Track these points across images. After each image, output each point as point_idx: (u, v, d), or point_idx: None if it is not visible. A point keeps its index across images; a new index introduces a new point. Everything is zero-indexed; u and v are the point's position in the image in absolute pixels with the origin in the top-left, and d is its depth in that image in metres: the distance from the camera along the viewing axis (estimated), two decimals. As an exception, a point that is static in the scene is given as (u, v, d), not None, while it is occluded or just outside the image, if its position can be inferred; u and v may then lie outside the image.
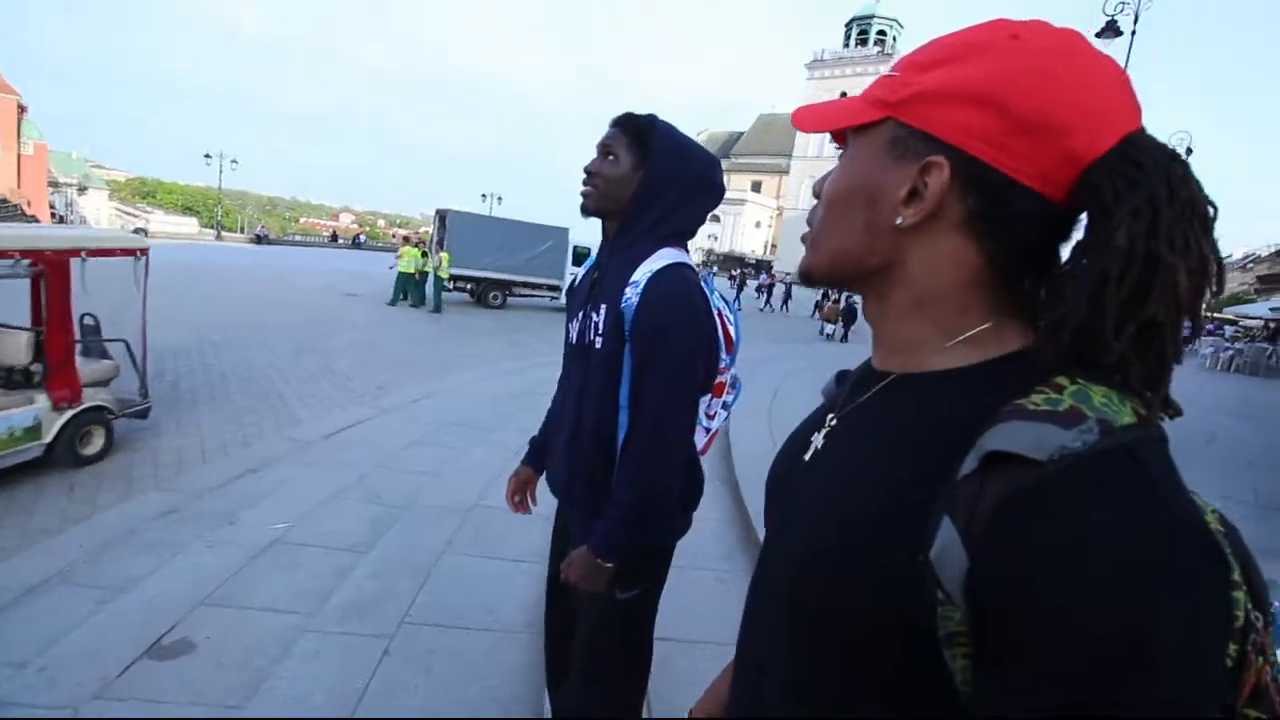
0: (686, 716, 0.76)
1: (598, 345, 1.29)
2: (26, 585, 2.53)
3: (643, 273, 1.23)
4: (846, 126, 0.49)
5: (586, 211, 1.35)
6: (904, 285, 0.48)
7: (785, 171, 77.66)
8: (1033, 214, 0.43)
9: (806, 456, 0.55)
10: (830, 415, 0.55)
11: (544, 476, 1.57)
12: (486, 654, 2.27)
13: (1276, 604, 0.46)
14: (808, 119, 0.52)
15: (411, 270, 13.81)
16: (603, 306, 1.29)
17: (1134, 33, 13.28)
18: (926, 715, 0.41)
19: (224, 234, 43.51)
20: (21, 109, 54.74)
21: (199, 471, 3.94)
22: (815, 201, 0.54)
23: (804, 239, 0.54)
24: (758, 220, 75.19)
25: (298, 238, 57.02)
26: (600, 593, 1.27)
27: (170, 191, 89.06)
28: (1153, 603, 0.33)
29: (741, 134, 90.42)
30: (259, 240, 41.21)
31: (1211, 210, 0.40)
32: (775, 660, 0.52)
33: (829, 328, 18.01)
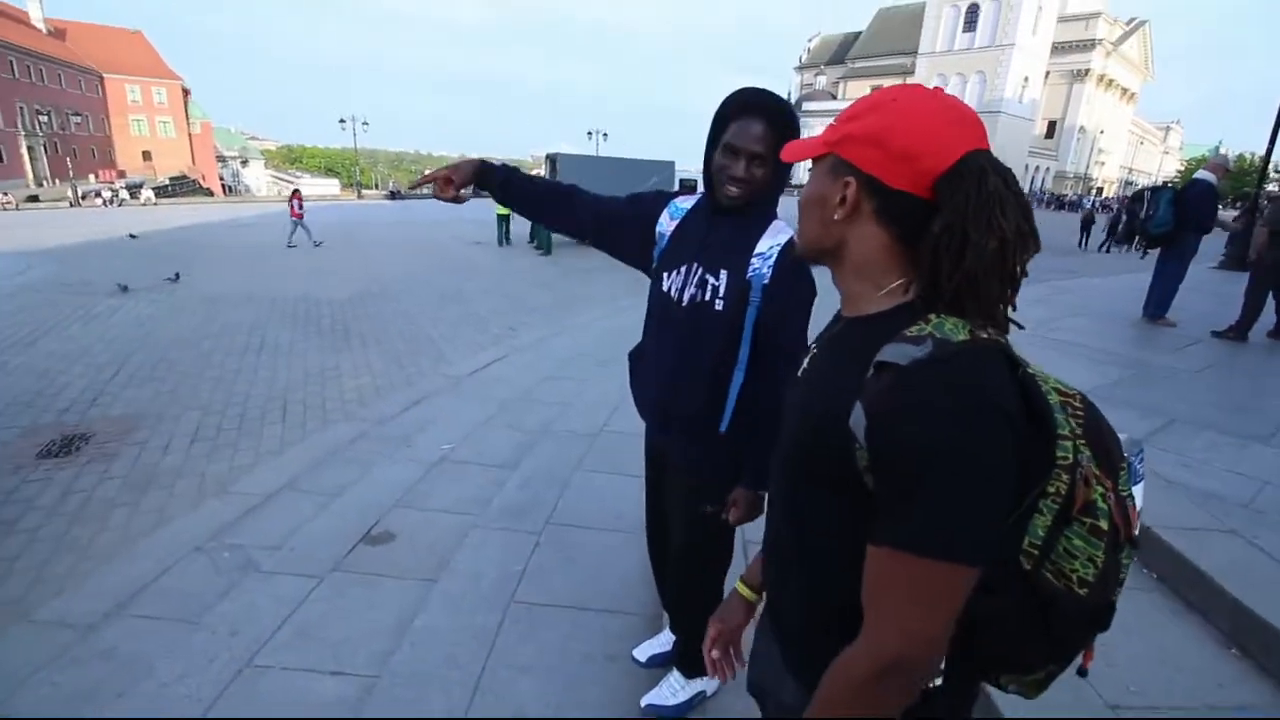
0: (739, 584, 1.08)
1: (718, 307, 1.41)
2: (267, 492, 3.31)
3: (768, 245, 1.38)
4: (813, 156, 0.75)
5: (724, 209, 1.41)
6: (848, 258, 0.74)
7: (910, 71, 69.44)
8: (911, 207, 0.68)
9: (799, 373, 0.83)
10: (813, 344, 0.84)
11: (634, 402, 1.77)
12: (615, 550, 2.72)
13: (1131, 457, 0.72)
14: (790, 150, 0.82)
15: (507, 212, 14.51)
16: (723, 272, 1.40)
17: None
18: (860, 509, 0.67)
19: (363, 192, 47.15)
20: (186, 92, 61.36)
21: (376, 404, 4.74)
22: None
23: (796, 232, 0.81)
24: (880, 131, 68.50)
25: (425, 190, 60.59)
26: (694, 508, 1.53)
27: (313, 156, 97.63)
28: (944, 443, 0.59)
29: (859, 34, 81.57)
30: (393, 196, 44.36)
31: (1016, 199, 0.65)
32: (779, 500, 0.83)
33: None
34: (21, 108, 43.63)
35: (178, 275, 9.67)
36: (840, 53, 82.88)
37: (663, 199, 1.62)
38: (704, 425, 1.51)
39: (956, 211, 0.63)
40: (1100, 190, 68.18)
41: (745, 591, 1.05)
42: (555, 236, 14.99)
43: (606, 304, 8.39)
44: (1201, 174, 6.49)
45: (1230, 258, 11.03)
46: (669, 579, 1.91)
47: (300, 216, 14.88)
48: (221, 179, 62.92)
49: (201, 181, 55.77)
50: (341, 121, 45.43)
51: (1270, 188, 13.80)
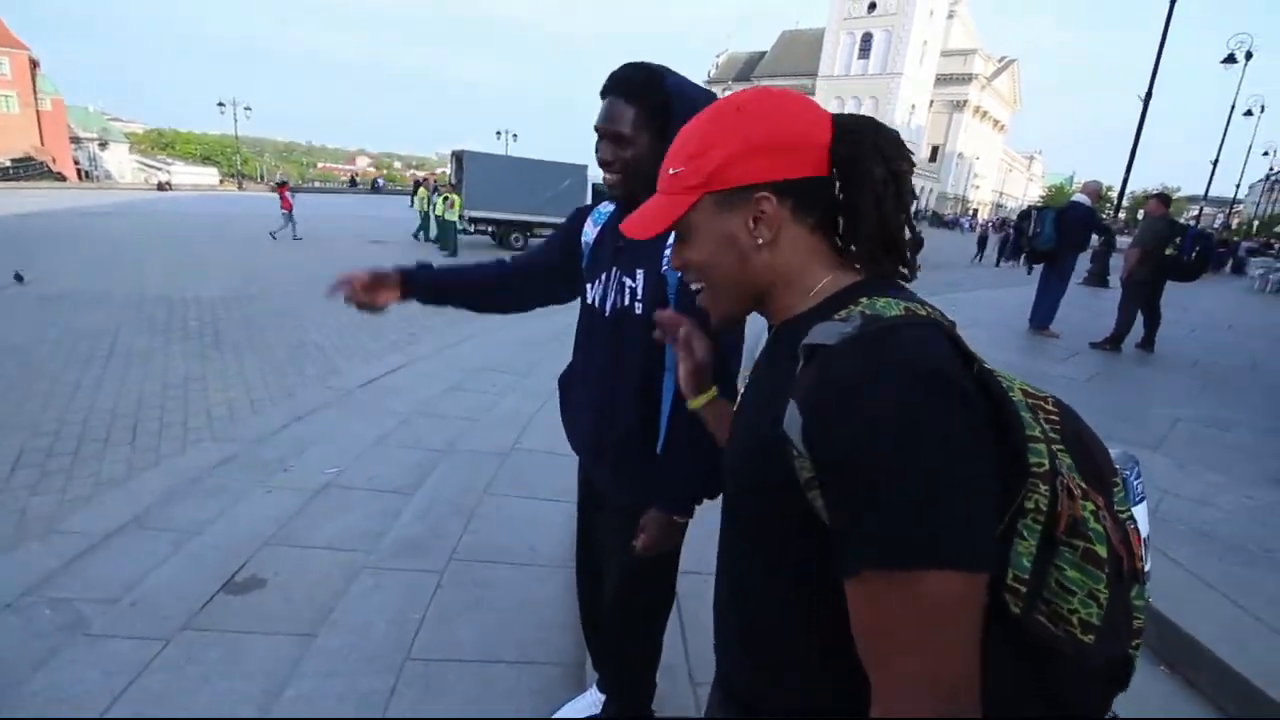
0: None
1: (637, 311, 1.27)
2: (106, 530, 2.75)
3: None
4: (683, 214, 0.66)
5: (619, 200, 1.29)
6: (782, 278, 0.66)
7: (810, 92, 73.75)
8: (820, 186, 0.64)
9: (735, 407, 0.76)
10: (749, 373, 0.75)
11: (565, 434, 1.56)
12: (531, 587, 2.42)
13: (1126, 472, 0.62)
14: (642, 226, 0.68)
15: (426, 209, 13.92)
16: (639, 273, 1.26)
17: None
18: (801, 544, 0.57)
19: (245, 183, 43.54)
20: (34, 64, 54.39)
21: (250, 421, 4.14)
22: (681, 270, 0.72)
23: (702, 302, 0.71)
24: (782, 147, 72.04)
25: (317, 184, 56.95)
26: (631, 548, 1.31)
27: (188, 142, 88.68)
28: (892, 424, 0.48)
29: (764, 54, 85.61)
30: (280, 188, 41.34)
31: (891, 137, 0.64)
32: (722, 555, 0.72)
33: None
34: None
35: (20, 276, 8.16)
36: (746, 70, 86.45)
37: (587, 210, 1.47)
38: (639, 448, 1.32)
39: (857, 162, 0.62)
40: (975, 211, 75.26)
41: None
42: (462, 236, 14.35)
43: (517, 309, 7.99)
44: (1078, 197, 7.07)
45: (1092, 274, 12.25)
46: (602, 630, 1.65)
47: (290, 208, 14.86)
48: (77, 163, 55.91)
49: (52, 165, 49.31)
50: (220, 105, 41.76)
51: (1122, 215, 15.54)
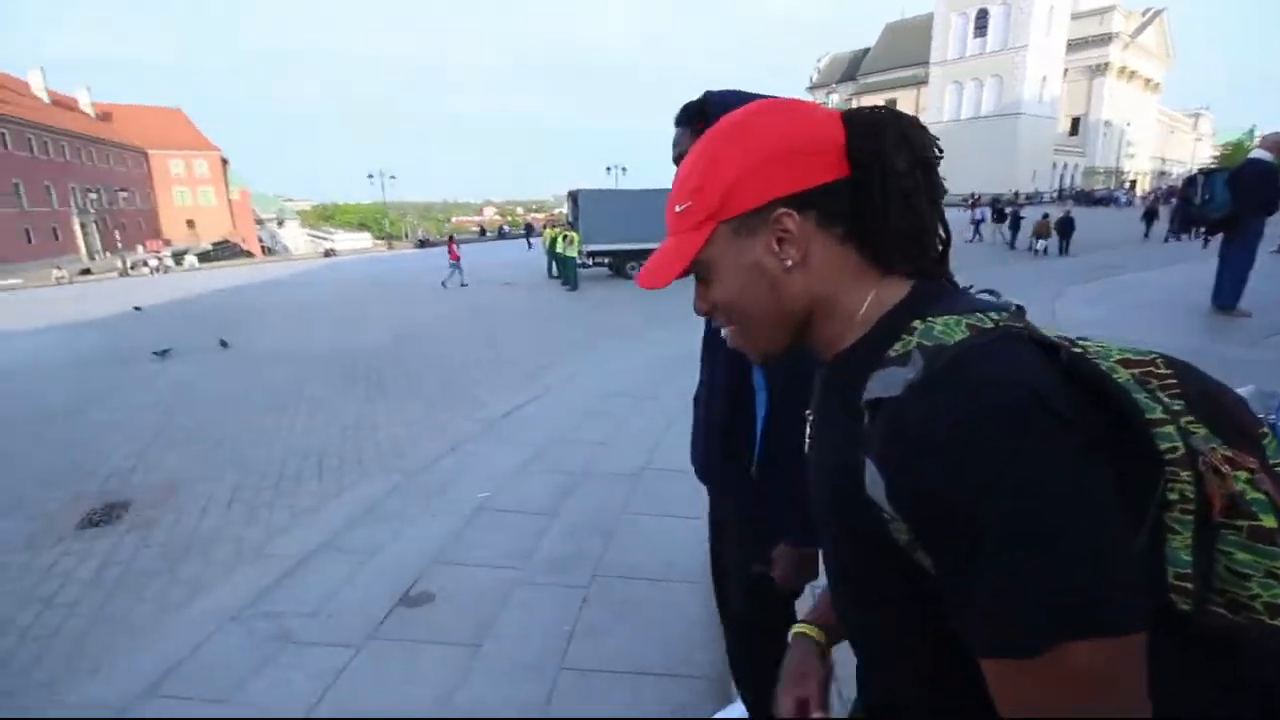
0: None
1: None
2: (303, 552, 3.18)
3: None
4: (697, 253, 0.60)
5: None
6: (823, 303, 0.59)
7: (923, 82, 69.52)
8: (843, 191, 0.56)
9: (805, 448, 0.67)
10: (808, 411, 0.68)
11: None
12: (669, 602, 2.50)
13: (1271, 414, 0.52)
14: (658, 275, 0.62)
15: (558, 249, 14.75)
16: None
17: None
18: (919, 599, 0.51)
19: (394, 243, 48.64)
20: (224, 162, 64.78)
21: (412, 452, 4.64)
22: (708, 314, 0.65)
23: (736, 343, 0.65)
24: (898, 143, 68.56)
25: (452, 237, 62.47)
26: (745, 570, 1.32)
27: (346, 212, 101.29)
28: (983, 481, 0.42)
29: (868, 50, 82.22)
30: (422, 244, 45.63)
31: (911, 123, 0.57)
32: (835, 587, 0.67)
33: (1040, 243, 17.53)
34: (74, 188, 46.28)
35: (224, 343, 9.77)
36: (851, 70, 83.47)
37: None
38: (735, 468, 1.34)
39: (881, 156, 0.55)
40: (1134, 183, 66.68)
41: (812, 632, 0.83)
42: (581, 270, 15.09)
43: (637, 335, 8.25)
44: (1257, 153, 6.12)
45: (1294, 239, 10.43)
46: (729, 650, 1.69)
47: (458, 259, 16.79)
48: (260, 240, 65.76)
49: (242, 244, 58.34)
50: (370, 177, 47.10)
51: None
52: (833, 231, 0.57)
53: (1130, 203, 48.15)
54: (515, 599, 2.59)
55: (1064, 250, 16.97)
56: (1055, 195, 55.38)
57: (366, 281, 19.92)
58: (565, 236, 14.81)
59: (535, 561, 2.85)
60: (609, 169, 44.41)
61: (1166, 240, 17.60)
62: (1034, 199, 46.93)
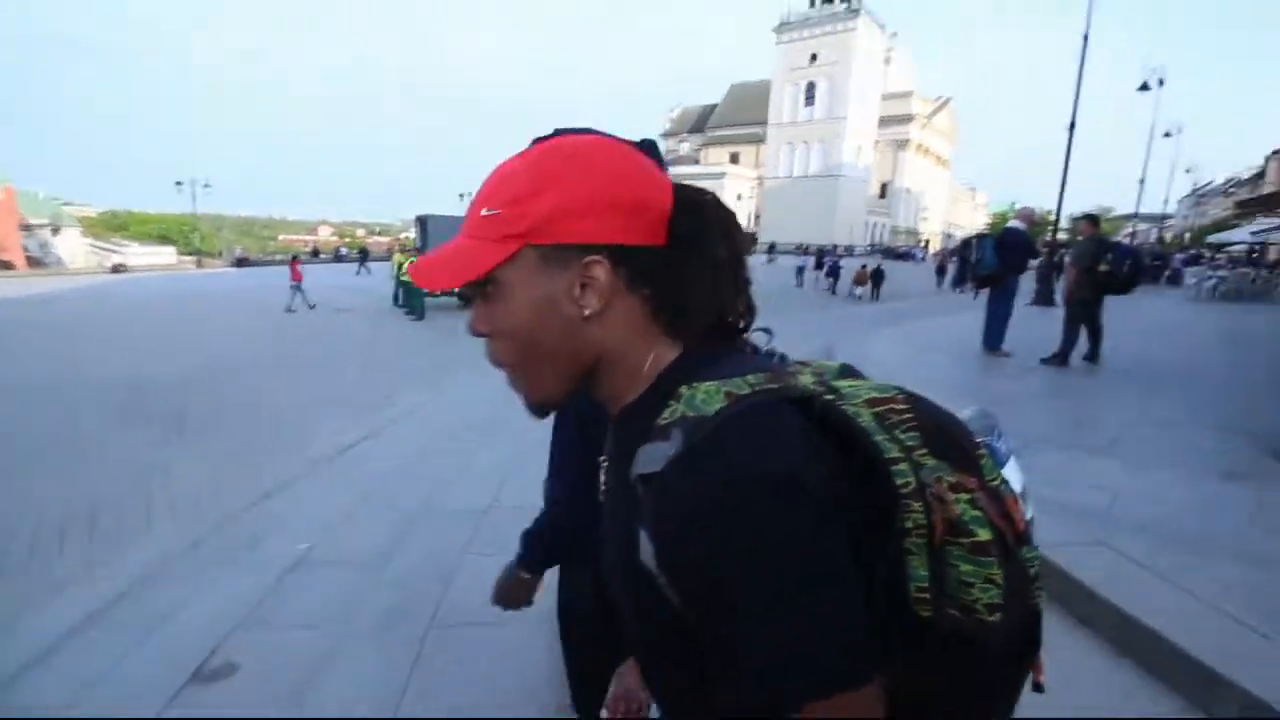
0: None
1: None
2: (62, 629, 2.64)
3: None
4: (494, 268, 0.56)
5: None
6: (609, 357, 0.59)
7: (762, 140, 76.96)
8: (658, 258, 0.58)
9: (600, 497, 0.67)
10: (602, 458, 0.68)
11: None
12: (515, 647, 2.40)
13: (988, 438, 0.60)
14: (439, 274, 0.59)
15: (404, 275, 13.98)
16: None
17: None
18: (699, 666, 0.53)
19: (204, 260, 43.14)
20: (-19, 153, 53.53)
21: (217, 501, 4.05)
22: (485, 337, 0.61)
23: (513, 383, 0.62)
24: (739, 193, 74.82)
25: (278, 256, 56.71)
26: None
27: (144, 222, 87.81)
28: (733, 561, 0.46)
29: (715, 106, 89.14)
30: (239, 263, 40.99)
31: (728, 212, 0.61)
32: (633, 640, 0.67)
33: (858, 290, 20.05)
34: None
35: None
36: (700, 122, 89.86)
37: None
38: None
39: (701, 240, 0.58)
40: (927, 242, 78.33)
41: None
42: (429, 299, 14.41)
43: (488, 367, 7.99)
44: (1014, 223, 7.47)
45: (1038, 294, 12.81)
46: (571, 689, 1.66)
47: (300, 280, 15.36)
48: (26, 250, 54.92)
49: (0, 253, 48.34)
50: (179, 184, 41.74)
51: (1061, 235, 16.38)
52: (637, 292, 0.57)
53: (924, 259, 56.62)
54: (337, 663, 2.34)
55: (876, 297, 19.51)
56: (867, 249, 63.32)
57: (166, 302, 17.42)
58: (412, 262, 14.13)
59: (363, 617, 2.61)
60: (462, 195, 43.42)
61: (953, 290, 20.83)
62: (850, 252, 53.09)
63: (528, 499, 1.67)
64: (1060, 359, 6.60)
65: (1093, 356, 6.69)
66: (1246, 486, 3.35)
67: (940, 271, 24.65)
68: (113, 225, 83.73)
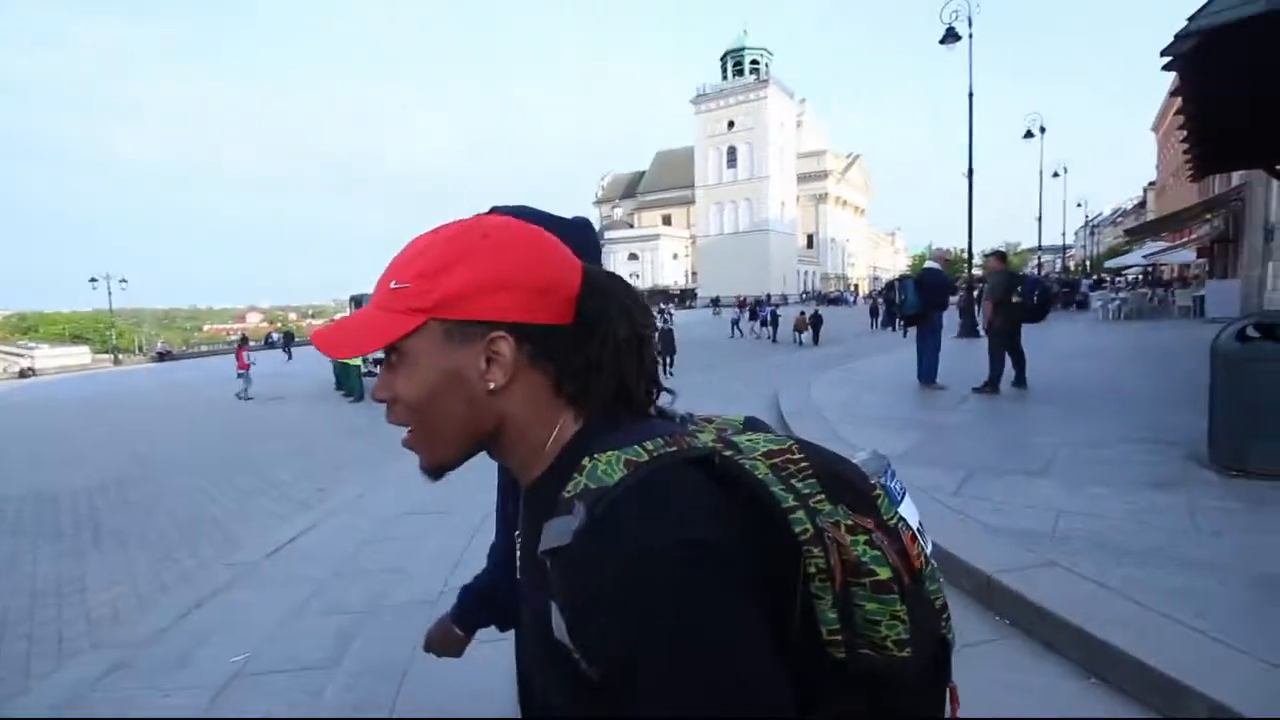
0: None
1: None
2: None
3: None
4: (400, 338, 0.57)
5: None
6: (509, 429, 0.61)
7: (691, 202, 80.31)
8: (562, 336, 0.60)
9: (518, 573, 0.68)
10: (517, 533, 0.69)
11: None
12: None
13: (881, 478, 0.62)
14: (343, 343, 0.60)
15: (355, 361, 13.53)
16: None
17: (971, 35, 14.71)
18: None
19: (121, 357, 40.83)
20: None
21: (139, 619, 3.70)
22: (386, 403, 0.61)
23: (410, 444, 0.63)
24: (674, 252, 77.27)
25: (204, 348, 54.38)
26: None
27: (54, 322, 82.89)
28: (640, 633, 0.46)
29: (644, 172, 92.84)
30: (162, 357, 38.99)
31: (632, 293, 0.64)
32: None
33: (799, 336, 20.77)
34: None
35: None
36: (630, 188, 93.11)
37: None
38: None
39: (604, 319, 0.60)
40: (856, 286, 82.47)
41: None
42: (368, 379, 14.01)
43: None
44: (930, 264, 7.97)
45: (963, 328, 13.55)
46: None
47: (247, 368, 14.89)
48: (-81, 362, 50.66)
49: (-114, 367, 44.39)
50: (93, 281, 39.75)
51: (976, 271, 17.55)
52: (541, 368, 0.59)
53: (854, 302, 59.22)
54: (281, 784, 2.12)
55: (816, 341, 20.17)
56: (800, 297, 66.00)
57: (79, 406, 16.29)
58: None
59: (309, 730, 2.39)
60: (397, 273, 43.02)
61: (884, 330, 21.79)
62: (784, 300, 55.09)
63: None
64: (991, 386, 6.94)
65: (1020, 382, 7.07)
66: (1177, 494, 3.54)
67: (874, 313, 25.67)
68: (20, 328, 78.71)
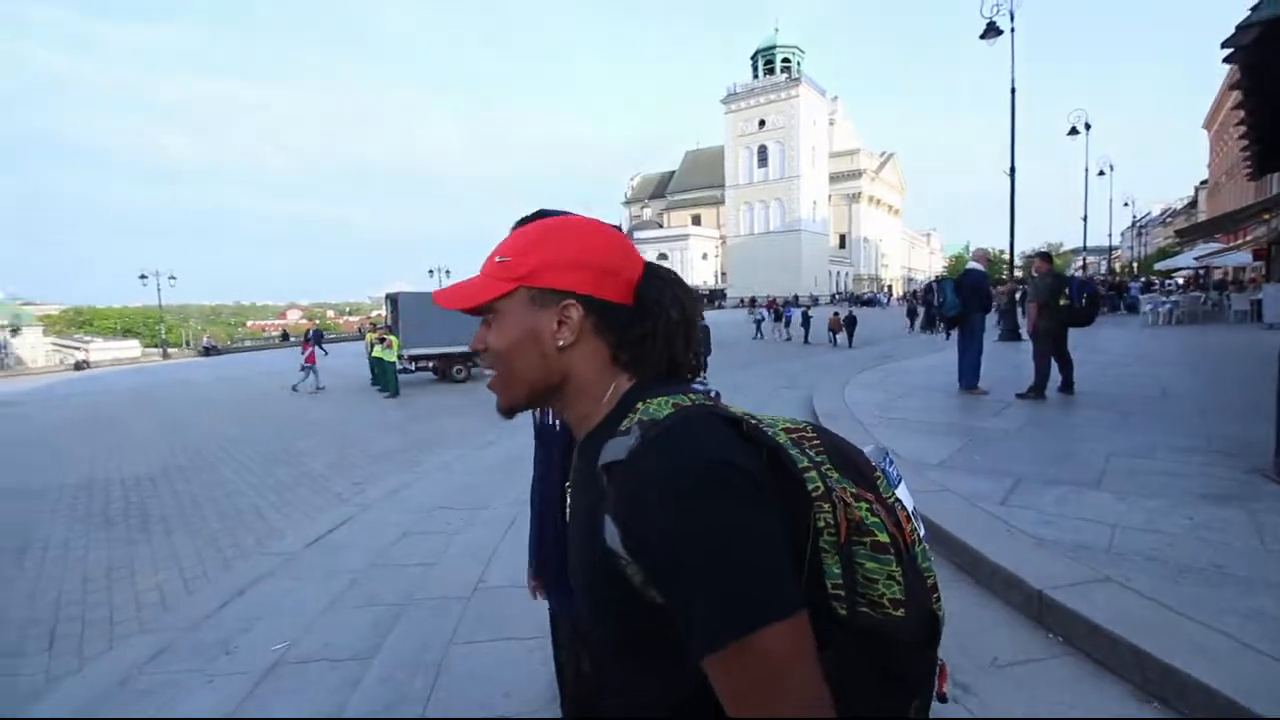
0: None
1: (556, 426, 1.39)
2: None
3: None
4: (492, 299, 0.72)
5: None
6: (572, 384, 0.73)
7: (721, 202, 79.64)
8: (622, 313, 0.73)
9: (567, 516, 0.78)
10: (567, 484, 0.81)
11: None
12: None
13: (881, 463, 0.73)
14: (455, 298, 0.74)
15: (386, 355, 13.75)
16: None
17: (1012, 30, 14.29)
18: (660, 633, 0.61)
19: (170, 351, 42.31)
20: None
21: (185, 604, 3.81)
22: (482, 353, 0.75)
23: (493, 386, 0.76)
24: (704, 252, 76.73)
25: (248, 343, 55.95)
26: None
27: (106, 317, 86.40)
28: (687, 517, 0.56)
29: (674, 172, 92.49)
30: (207, 352, 40.21)
31: (683, 287, 0.76)
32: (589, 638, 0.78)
33: (836, 337, 20.39)
34: None
35: None
36: (659, 188, 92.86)
37: None
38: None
39: (659, 304, 0.72)
40: (890, 287, 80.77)
41: None
42: (403, 375, 14.25)
43: (468, 441, 7.85)
44: (972, 264, 7.72)
45: (1005, 331, 13.14)
46: None
47: (314, 362, 15.25)
48: (-16, 353, 53.24)
49: (-46, 358, 46.72)
50: (143, 277, 41.22)
51: (1018, 273, 17.00)
52: (604, 336, 0.72)
53: (888, 303, 57.93)
54: (320, 774, 2.15)
55: (850, 342, 19.77)
56: (832, 298, 64.94)
57: (130, 396, 16.91)
58: (381, 340, 13.95)
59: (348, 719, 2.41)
60: (431, 272, 43.68)
61: (923, 332, 21.28)
62: (815, 301, 54.34)
63: (517, 575, 1.60)
64: (1036, 392, 6.70)
65: (1067, 388, 6.81)
66: (1239, 509, 3.36)
67: (911, 315, 24.82)
68: (76, 322, 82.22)
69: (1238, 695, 1.90)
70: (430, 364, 15.39)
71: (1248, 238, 23.90)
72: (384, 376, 13.77)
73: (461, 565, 3.76)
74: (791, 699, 0.54)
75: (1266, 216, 19.64)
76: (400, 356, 14.13)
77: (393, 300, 15.86)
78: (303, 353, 15.72)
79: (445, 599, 3.34)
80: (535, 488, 1.53)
